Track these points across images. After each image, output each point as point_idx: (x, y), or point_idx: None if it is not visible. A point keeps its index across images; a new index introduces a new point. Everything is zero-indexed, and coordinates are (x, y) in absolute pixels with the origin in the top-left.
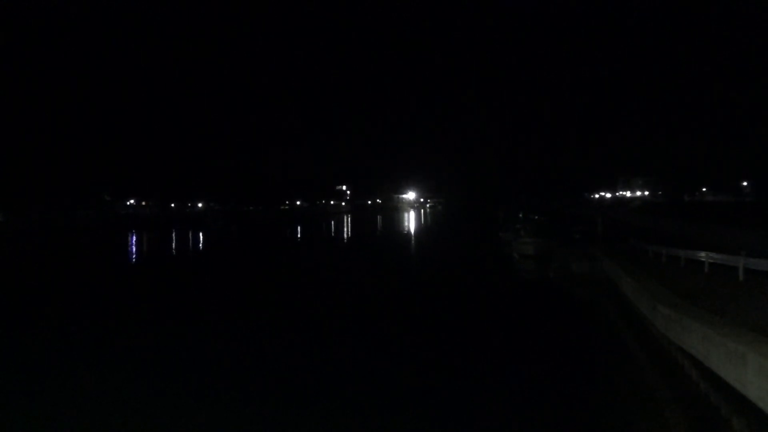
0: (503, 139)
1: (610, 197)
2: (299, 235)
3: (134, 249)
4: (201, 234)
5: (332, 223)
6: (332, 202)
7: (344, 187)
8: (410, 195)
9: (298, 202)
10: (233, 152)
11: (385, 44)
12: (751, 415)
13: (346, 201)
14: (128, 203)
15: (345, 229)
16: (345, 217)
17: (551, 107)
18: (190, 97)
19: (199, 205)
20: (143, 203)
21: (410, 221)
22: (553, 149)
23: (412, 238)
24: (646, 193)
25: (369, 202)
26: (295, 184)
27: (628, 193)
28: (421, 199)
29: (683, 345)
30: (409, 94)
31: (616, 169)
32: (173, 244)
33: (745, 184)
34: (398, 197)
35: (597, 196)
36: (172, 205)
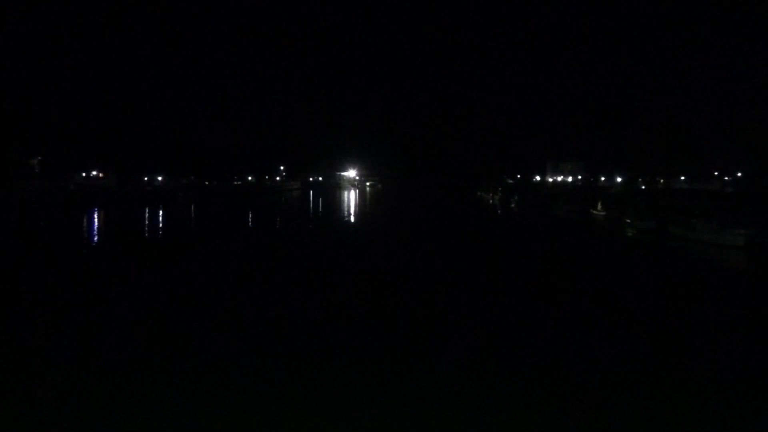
0: (435, 124)
1: (551, 181)
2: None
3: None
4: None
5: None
6: (277, 179)
7: (282, 167)
8: (351, 173)
9: (249, 178)
10: (177, 127)
11: (323, 21)
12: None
13: (282, 177)
14: (83, 174)
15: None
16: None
17: (484, 91)
18: (134, 74)
19: (159, 178)
20: (100, 175)
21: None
22: (483, 133)
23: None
24: (579, 177)
25: (311, 179)
26: (242, 159)
27: (560, 178)
28: (357, 177)
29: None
30: (346, 76)
31: (544, 153)
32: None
33: (739, 174)
34: (339, 175)
35: (538, 178)
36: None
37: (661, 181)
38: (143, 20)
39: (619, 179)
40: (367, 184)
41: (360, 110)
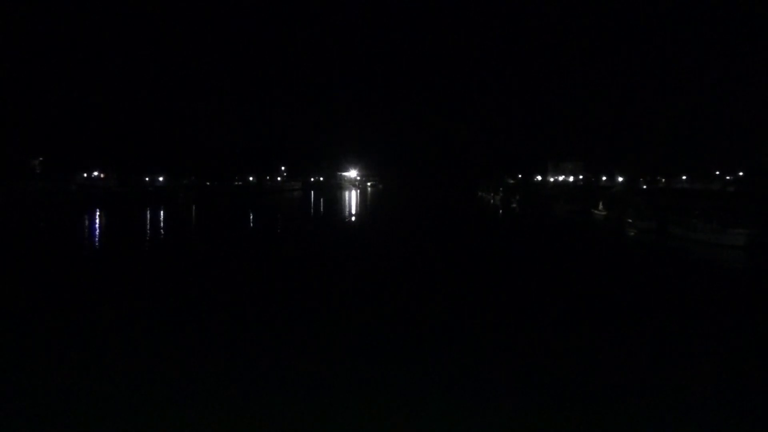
0: (435, 124)
1: (552, 180)
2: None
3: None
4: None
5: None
6: (278, 179)
7: (283, 168)
8: (351, 173)
9: (250, 178)
10: (177, 127)
11: (318, 18)
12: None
13: (283, 177)
14: (84, 175)
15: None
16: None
17: (484, 92)
18: (132, 72)
19: (160, 179)
20: (101, 175)
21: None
22: (483, 133)
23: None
24: (579, 177)
25: (312, 179)
26: (243, 160)
27: (561, 178)
28: (358, 178)
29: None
30: (347, 76)
31: (544, 153)
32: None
33: (741, 174)
34: (340, 175)
35: (539, 178)
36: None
37: (662, 180)
38: (143, 20)
39: (620, 179)
40: (368, 184)
41: (361, 110)
